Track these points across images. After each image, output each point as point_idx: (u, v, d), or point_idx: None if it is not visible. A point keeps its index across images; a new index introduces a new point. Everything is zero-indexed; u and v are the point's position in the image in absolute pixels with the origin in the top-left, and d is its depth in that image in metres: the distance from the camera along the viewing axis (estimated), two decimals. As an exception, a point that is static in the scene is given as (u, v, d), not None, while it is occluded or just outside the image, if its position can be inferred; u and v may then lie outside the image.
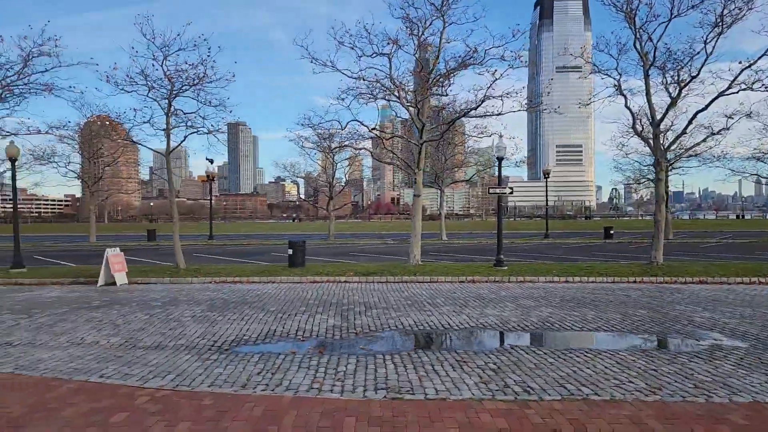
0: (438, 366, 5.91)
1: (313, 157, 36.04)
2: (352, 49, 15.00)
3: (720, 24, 13.29)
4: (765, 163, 28.19)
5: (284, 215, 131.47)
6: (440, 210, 36.11)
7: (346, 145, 21.81)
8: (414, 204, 16.06)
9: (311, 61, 15.03)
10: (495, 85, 14.70)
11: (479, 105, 14.94)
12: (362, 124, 16.27)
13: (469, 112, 15.72)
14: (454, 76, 15.53)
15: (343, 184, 36.37)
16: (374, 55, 15.22)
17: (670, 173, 30.68)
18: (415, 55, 15.17)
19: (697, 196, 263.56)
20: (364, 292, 11.59)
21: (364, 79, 15.03)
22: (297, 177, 40.98)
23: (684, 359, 6.18)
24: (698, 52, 14.16)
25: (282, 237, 38.60)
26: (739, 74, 13.66)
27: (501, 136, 15.83)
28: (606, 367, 5.82)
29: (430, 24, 15.56)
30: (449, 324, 8.28)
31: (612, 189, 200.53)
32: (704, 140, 16.77)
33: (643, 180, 35.16)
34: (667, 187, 32.73)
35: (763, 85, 13.09)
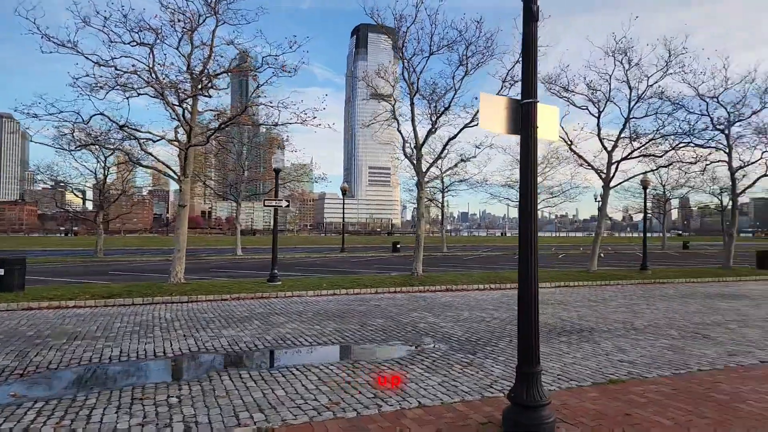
0: (98, 410, 4.81)
1: (78, 158, 30.53)
2: (103, 31, 13.01)
3: (465, 64, 15.31)
4: (514, 189, 33.98)
5: (61, 228, 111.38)
6: (237, 223, 34.40)
7: (106, 147, 19.01)
8: (179, 215, 14.59)
9: (42, 38, 12.53)
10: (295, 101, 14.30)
11: (242, 110, 14.32)
12: (111, 120, 14.15)
13: (233, 119, 14.99)
14: (227, 77, 14.65)
15: (119, 191, 31.87)
16: (133, 43, 13.47)
17: (447, 194, 34.75)
18: (177, 50, 13.87)
19: (478, 216, 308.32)
20: (88, 320, 9.76)
21: (117, 68, 13.11)
22: (64, 182, 34.68)
23: (384, 367, 6.34)
24: (451, 88, 16.05)
25: (31, 253, 32.08)
26: (477, 113, 15.90)
27: (280, 148, 15.44)
28: (304, 385, 5.56)
29: (203, 21, 14.52)
30: (163, 352, 7.26)
31: (414, 208, 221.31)
32: (455, 165, 19.14)
33: (432, 200, 39.02)
34: (444, 206, 37.05)
35: None
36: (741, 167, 21.50)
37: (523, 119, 4.03)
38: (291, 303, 11.93)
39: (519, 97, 4.10)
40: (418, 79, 15.60)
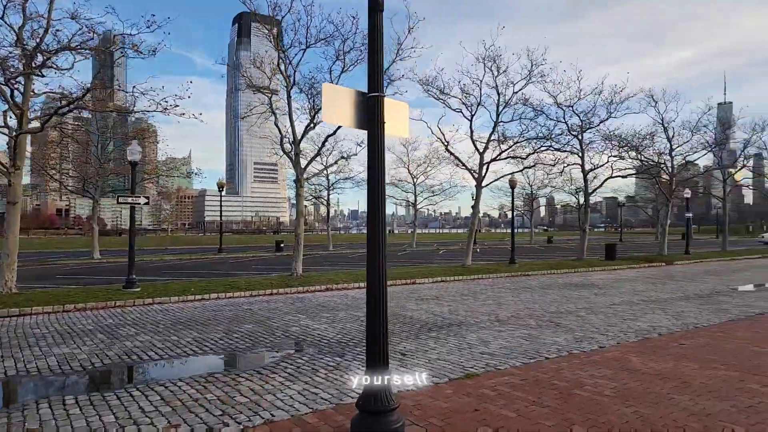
0: None
1: None
2: None
3: (342, 59, 15.19)
4: (398, 187, 34.99)
5: None
6: (93, 223, 30.75)
7: None
8: (8, 213, 12.43)
9: None
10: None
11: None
12: None
13: (72, 103, 13.19)
14: (76, 55, 12.79)
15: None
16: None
17: (334, 192, 34.58)
18: (2, 20, 11.78)
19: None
20: None
21: None
22: None
23: (242, 378, 5.85)
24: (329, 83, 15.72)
25: None
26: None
27: (136, 140, 13.95)
28: (142, 407, 4.87)
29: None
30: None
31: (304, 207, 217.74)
32: (336, 162, 19.04)
33: (318, 198, 38.53)
34: (329, 204, 36.85)
35: None
36: (592, 169, 24.23)
37: (369, 114, 3.84)
38: (149, 312, 10.79)
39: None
40: (295, 71, 15.15)
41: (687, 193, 29.94)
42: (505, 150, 20.15)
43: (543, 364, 6.17)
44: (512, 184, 21.84)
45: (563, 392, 4.97)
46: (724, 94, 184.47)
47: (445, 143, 20.05)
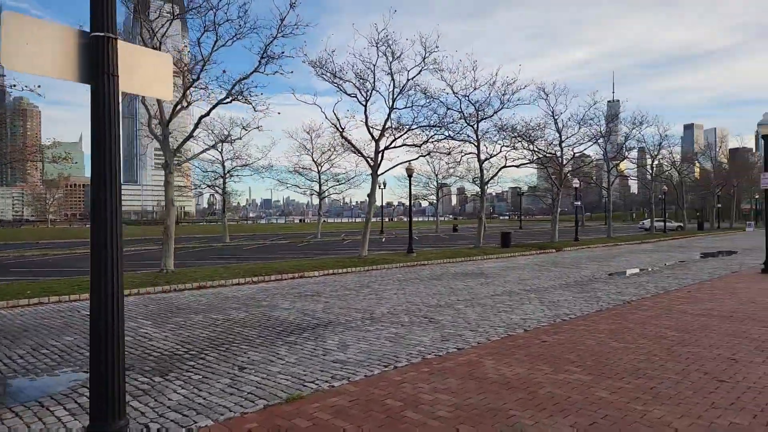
0: None
1: None
2: None
3: (215, 30, 13.60)
4: (302, 175, 33.55)
5: None
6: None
7: None
8: None
9: None
10: None
11: None
12: None
13: None
14: None
15: None
16: None
17: (230, 180, 32.34)
18: None
19: (282, 203, 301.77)
20: None
21: None
22: None
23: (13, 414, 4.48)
24: (204, 59, 14.08)
25: None
26: (232, 88, 14.34)
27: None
28: None
29: None
30: None
31: (210, 195, 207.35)
32: (213, 146, 17.38)
33: (212, 186, 35.93)
34: (225, 192, 34.57)
35: (245, 99, 14.16)
36: (487, 159, 24.58)
37: (92, 62, 2.70)
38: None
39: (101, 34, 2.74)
40: (160, 42, 13.26)
41: (576, 182, 31.59)
42: (399, 137, 19.64)
43: (388, 375, 5.41)
44: (409, 172, 21.45)
45: (392, 416, 4.20)
46: (612, 92, 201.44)
47: (341, 129, 19.11)
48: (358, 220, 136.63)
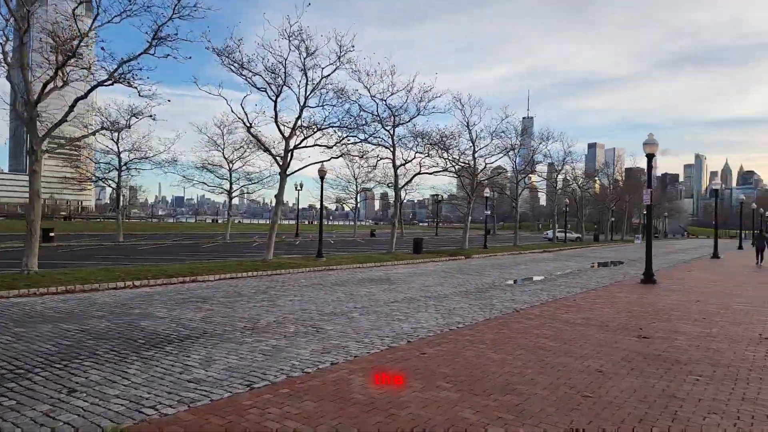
0: None
1: None
2: None
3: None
4: (212, 172, 31.69)
5: None
6: None
7: None
8: None
9: None
10: None
11: None
12: None
13: None
14: None
15: None
16: None
17: (128, 173, 29.76)
18: None
19: (196, 201, 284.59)
20: None
21: None
22: None
23: None
24: (81, 35, 12.54)
25: None
26: (117, 69, 12.97)
27: None
28: None
29: None
30: None
31: (112, 190, 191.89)
32: (93, 134, 15.75)
33: (99, 178, 32.74)
34: (120, 187, 31.83)
35: (128, 82, 12.86)
36: (402, 165, 24.60)
37: None
38: None
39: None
40: (29, 13, 11.64)
41: (487, 192, 32.66)
42: (310, 136, 18.98)
43: (238, 398, 4.81)
44: (321, 174, 20.84)
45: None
46: (527, 109, 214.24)
47: (248, 125, 18.07)
48: (281, 222, 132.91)
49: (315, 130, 18.81)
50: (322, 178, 21.07)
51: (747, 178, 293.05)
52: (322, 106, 19.02)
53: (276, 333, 7.91)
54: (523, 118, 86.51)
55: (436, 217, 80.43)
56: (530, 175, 60.50)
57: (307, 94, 18.63)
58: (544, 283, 16.22)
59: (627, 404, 4.79)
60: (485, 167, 32.97)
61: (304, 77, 18.76)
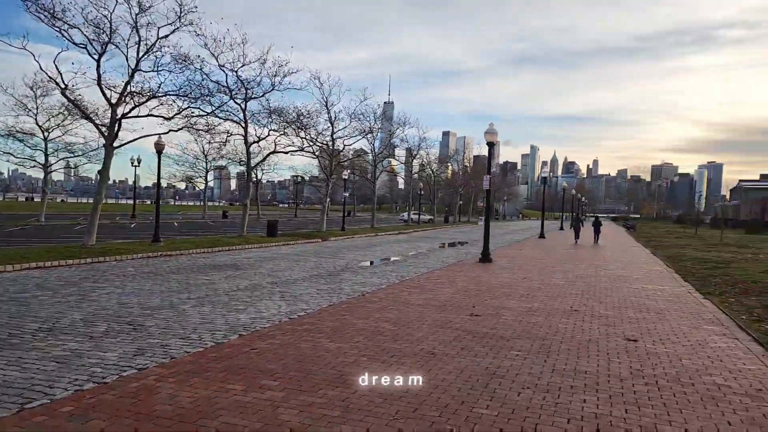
0: None
1: None
2: None
3: None
4: (20, 141, 26.54)
5: None
6: None
7: None
8: None
9: None
10: None
11: None
12: None
13: None
14: None
15: None
16: None
17: None
18: None
19: (7, 176, 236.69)
20: None
21: None
22: None
23: None
24: None
25: None
26: None
27: None
28: None
29: None
30: None
31: None
32: None
33: None
34: None
35: None
36: (255, 142, 23.24)
37: None
38: None
39: None
40: None
41: (346, 174, 32.71)
42: (142, 104, 16.69)
43: (-6, 427, 3.78)
44: (158, 148, 18.60)
45: None
46: (389, 95, 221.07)
47: (62, 86, 15.22)
48: (110, 201, 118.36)
49: (149, 97, 16.58)
50: (159, 152, 18.79)
51: (569, 167, 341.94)
52: (157, 71, 16.83)
53: (80, 334, 6.65)
54: (384, 102, 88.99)
55: (296, 198, 79.05)
56: (390, 159, 62.67)
57: (140, 56, 16.30)
58: (395, 264, 16.64)
59: (453, 386, 4.82)
60: (344, 149, 32.95)
61: (136, 35, 16.39)
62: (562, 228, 51.23)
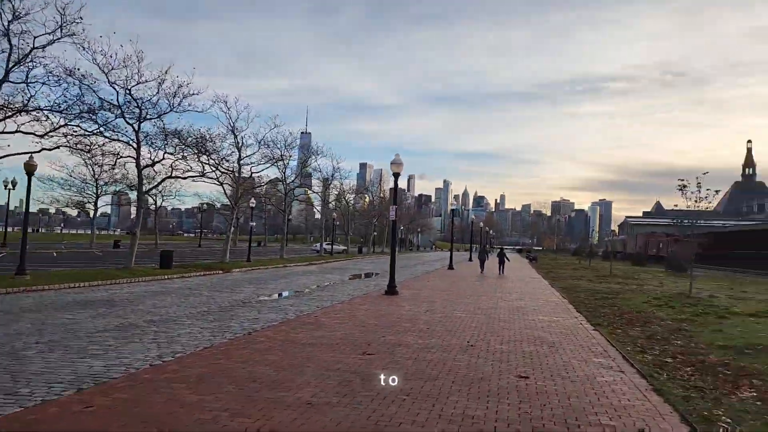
0: None
1: None
2: None
3: None
4: None
5: None
6: None
7: None
8: None
9: None
10: None
11: None
12: None
13: None
14: None
15: None
16: None
17: None
18: None
19: None
20: None
21: None
22: None
23: None
24: None
25: None
26: None
27: None
28: None
29: None
30: None
31: None
32: None
33: None
34: None
35: None
36: (149, 165, 21.42)
37: None
38: None
39: None
40: None
41: (252, 202, 31.30)
42: (7, 118, 14.61)
43: None
44: (28, 169, 16.30)
45: None
46: (306, 125, 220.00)
47: None
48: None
49: (16, 110, 14.55)
50: (29, 174, 16.47)
51: (480, 201, 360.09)
52: (27, 83, 14.88)
53: None
54: (301, 132, 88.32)
55: (200, 227, 74.85)
56: (307, 189, 61.59)
57: (9, 66, 14.32)
58: (298, 298, 15.73)
59: (324, 446, 4.15)
60: (251, 176, 31.54)
61: (7, 43, 14.45)
62: (471, 259, 52.86)
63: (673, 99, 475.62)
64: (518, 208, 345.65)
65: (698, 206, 18.67)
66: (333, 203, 56.47)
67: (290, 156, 35.62)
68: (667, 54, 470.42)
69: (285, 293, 17.22)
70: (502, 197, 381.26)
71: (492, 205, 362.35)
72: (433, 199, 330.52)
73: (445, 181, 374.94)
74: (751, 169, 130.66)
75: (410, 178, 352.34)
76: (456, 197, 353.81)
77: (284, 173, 36.23)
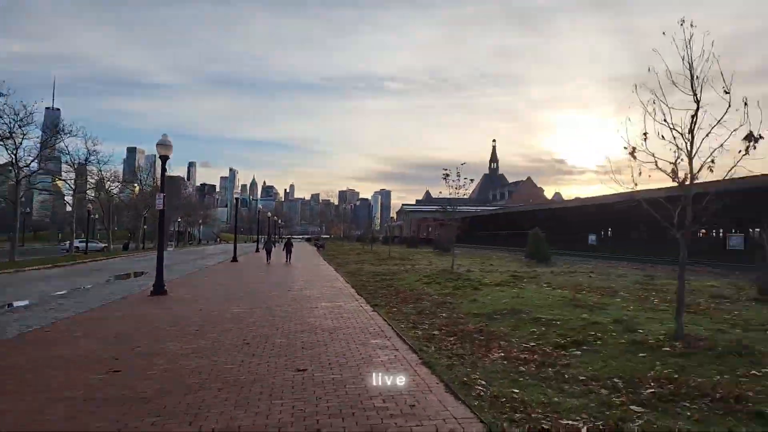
0: None
1: None
2: None
3: None
4: None
5: None
6: None
7: None
8: None
9: None
10: None
11: None
12: None
13: None
14: None
15: None
16: None
17: None
18: None
19: None
20: None
21: None
22: None
23: None
24: None
25: None
26: None
27: None
28: None
29: None
30: None
31: None
32: None
33: None
34: None
35: None
36: None
37: None
38: None
39: None
40: None
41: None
42: None
43: None
44: None
45: None
46: (53, 99, 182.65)
47: None
48: None
49: None
50: None
51: (269, 191, 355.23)
52: None
53: None
54: (46, 108, 72.37)
55: None
56: (55, 177, 50.61)
57: None
58: (28, 310, 12.40)
59: None
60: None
61: None
62: (258, 250, 51.33)
63: (439, 101, 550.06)
64: (307, 198, 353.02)
65: (458, 193, 21.36)
66: (91, 193, 47.89)
67: (24, 135, 28.57)
68: (436, 60, 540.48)
69: (14, 305, 13.53)
70: (292, 187, 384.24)
71: (281, 194, 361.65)
72: (218, 189, 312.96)
73: (231, 170, 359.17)
74: (495, 164, 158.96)
75: (191, 166, 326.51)
76: (243, 187, 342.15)
77: (15, 155, 28.82)
